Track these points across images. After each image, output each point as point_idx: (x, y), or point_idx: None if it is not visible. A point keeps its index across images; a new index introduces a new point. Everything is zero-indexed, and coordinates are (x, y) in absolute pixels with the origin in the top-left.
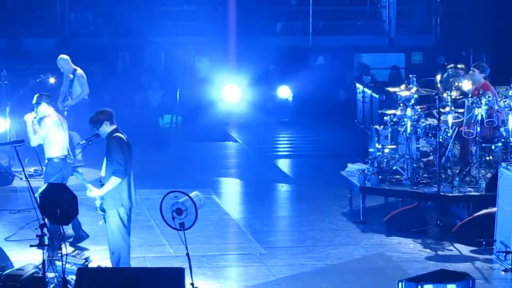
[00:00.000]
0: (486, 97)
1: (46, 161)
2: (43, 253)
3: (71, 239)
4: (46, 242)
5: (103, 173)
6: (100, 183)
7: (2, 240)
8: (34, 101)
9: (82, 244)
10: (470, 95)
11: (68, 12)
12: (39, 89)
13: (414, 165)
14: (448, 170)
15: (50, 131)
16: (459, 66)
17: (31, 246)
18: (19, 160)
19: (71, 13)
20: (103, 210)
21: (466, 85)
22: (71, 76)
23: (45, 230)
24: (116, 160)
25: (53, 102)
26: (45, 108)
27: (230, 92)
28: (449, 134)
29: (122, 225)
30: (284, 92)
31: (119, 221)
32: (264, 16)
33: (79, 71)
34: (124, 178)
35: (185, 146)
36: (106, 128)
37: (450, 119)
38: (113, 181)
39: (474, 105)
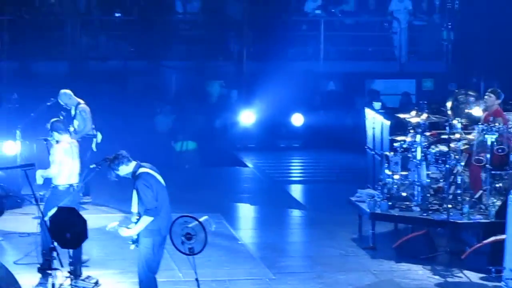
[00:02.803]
0: (497, 124)
1: (52, 186)
2: (52, 276)
3: (84, 263)
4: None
5: (134, 208)
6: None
7: (11, 264)
8: (48, 127)
9: (92, 268)
10: (480, 122)
11: (79, 35)
12: (50, 112)
13: (424, 191)
14: (458, 197)
15: (60, 157)
16: (470, 92)
17: (40, 269)
18: (29, 184)
19: (83, 36)
20: (135, 241)
21: (477, 111)
22: (73, 111)
23: (54, 253)
24: (145, 200)
25: (66, 128)
26: (57, 136)
27: (246, 116)
28: (459, 161)
29: (152, 254)
30: (297, 119)
31: (151, 250)
32: (276, 41)
33: (82, 105)
34: (156, 216)
35: (196, 171)
36: (127, 168)
37: (460, 146)
38: (145, 221)
39: (484, 132)
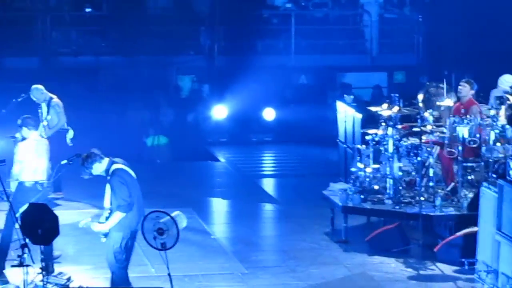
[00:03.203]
0: (468, 116)
1: (17, 184)
2: (24, 273)
3: (56, 259)
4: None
5: (106, 203)
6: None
7: None
8: (18, 122)
9: (64, 264)
10: (451, 114)
11: (50, 30)
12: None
13: (396, 184)
14: (430, 190)
15: (22, 155)
16: (441, 85)
17: (12, 266)
18: (0, 180)
19: (53, 31)
20: (105, 235)
21: (448, 102)
22: (45, 106)
23: (25, 250)
24: (119, 196)
25: (36, 125)
26: (25, 132)
27: (218, 111)
28: (431, 154)
29: (119, 247)
30: (268, 113)
31: (118, 244)
32: (247, 35)
33: (55, 99)
34: (128, 212)
35: (168, 166)
36: (100, 166)
37: (431, 138)
38: (117, 216)
39: (456, 124)
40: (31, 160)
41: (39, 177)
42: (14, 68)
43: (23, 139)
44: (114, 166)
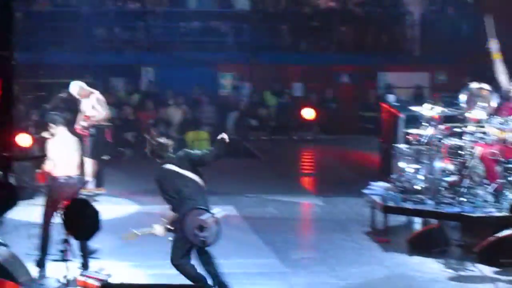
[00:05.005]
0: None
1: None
2: (64, 268)
3: (95, 254)
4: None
5: None
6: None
7: (23, 254)
8: (47, 119)
9: (104, 260)
10: (494, 115)
11: (92, 27)
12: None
13: (437, 185)
14: (472, 190)
15: (53, 152)
16: (484, 85)
17: (53, 261)
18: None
19: (95, 28)
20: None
21: (492, 104)
22: (87, 101)
23: (66, 245)
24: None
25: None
26: (53, 129)
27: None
28: (473, 154)
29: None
30: (308, 112)
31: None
32: (287, 33)
33: (97, 94)
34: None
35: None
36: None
37: (474, 139)
38: (172, 216)
39: (499, 124)
40: (62, 156)
41: (71, 172)
42: (57, 64)
43: (53, 135)
44: (164, 166)
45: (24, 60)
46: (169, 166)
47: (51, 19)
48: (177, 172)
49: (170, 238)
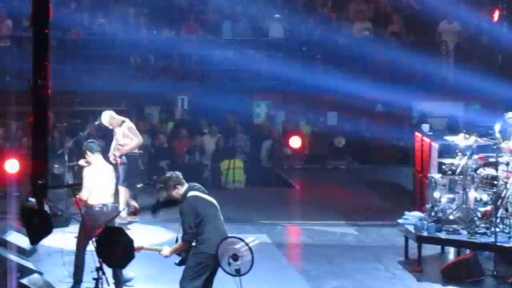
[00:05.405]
0: None
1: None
2: None
3: (129, 282)
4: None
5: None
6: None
7: (58, 282)
8: (85, 147)
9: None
10: None
11: (127, 55)
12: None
13: (471, 214)
14: (506, 221)
15: (88, 180)
16: None
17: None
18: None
19: (130, 56)
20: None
21: None
22: (120, 129)
23: (100, 273)
24: (186, 224)
25: (99, 148)
26: (89, 157)
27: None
28: (507, 185)
29: (192, 271)
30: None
31: (192, 268)
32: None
33: (128, 122)
34: (192, 241)
35: (243, 191)
36: (179, 191)
37: (509, 169)
38: (181, 245)
39: None
40: (98, 184)
41: (106, 200)
42: (91, 92)
43: (88, 163)
44: (190, 193)
45: (59, 87)
46: (194, 193)
47: (86, 47)
48: (204, 198)
49: (176, 262)
